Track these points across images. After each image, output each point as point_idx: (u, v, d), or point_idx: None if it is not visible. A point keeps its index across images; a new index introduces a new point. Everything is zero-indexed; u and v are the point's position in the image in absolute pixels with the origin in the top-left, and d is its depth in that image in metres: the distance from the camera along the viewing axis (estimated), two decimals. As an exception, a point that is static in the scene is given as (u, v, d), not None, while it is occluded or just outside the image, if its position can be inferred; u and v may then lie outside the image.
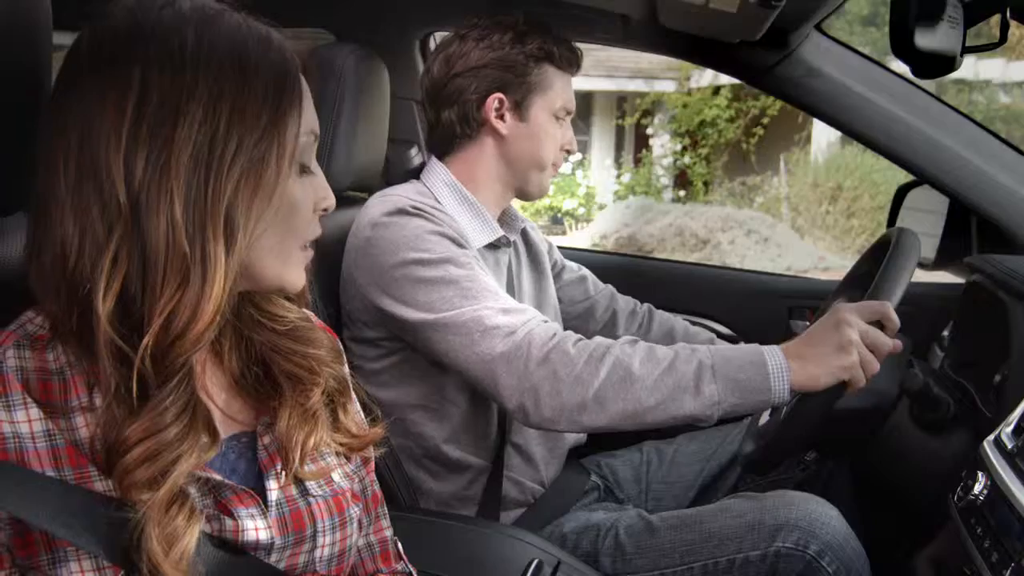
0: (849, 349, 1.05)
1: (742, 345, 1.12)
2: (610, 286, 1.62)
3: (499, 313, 1.13)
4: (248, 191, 0.64)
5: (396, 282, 1.17)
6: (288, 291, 0.73)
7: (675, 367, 1.07)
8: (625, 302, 1.60)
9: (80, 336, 0.64)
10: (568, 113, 1.36)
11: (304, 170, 0.71)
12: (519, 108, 1.32)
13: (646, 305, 1.61)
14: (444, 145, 1.36)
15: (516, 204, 1.47)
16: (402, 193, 1.27)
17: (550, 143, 1.34)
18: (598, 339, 1.12)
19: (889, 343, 1.07)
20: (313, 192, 0.72)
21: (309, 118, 0.70)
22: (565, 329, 1.18)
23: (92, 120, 0.62)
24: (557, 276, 1.58)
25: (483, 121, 1.32)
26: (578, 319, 1.58)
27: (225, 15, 0.67)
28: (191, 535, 0.63)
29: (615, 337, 1.44)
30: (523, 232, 1.49)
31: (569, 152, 1.38)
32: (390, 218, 1.20)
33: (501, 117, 1.31)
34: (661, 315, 1.59)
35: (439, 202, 1.30)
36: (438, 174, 1.34)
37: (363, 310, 1.23)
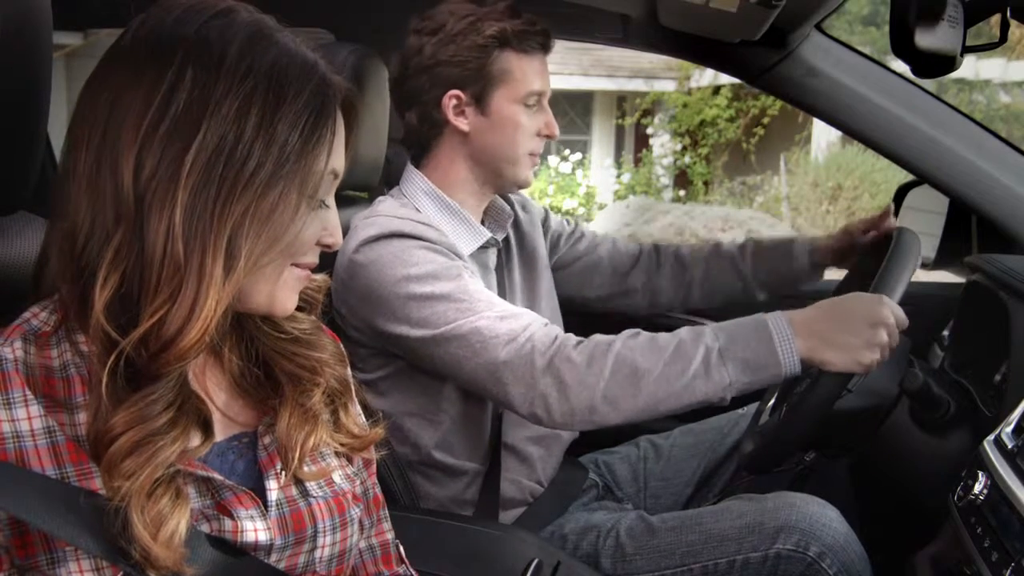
0: (875, 350, 1.05)
1: (745, 320, 1.11)
2: (611, 237, 1.58)
3: (497, 321, 1.12)
4: (258, 218, 0.63)
5: (389, 301, 1.16)
6: (276, 315, 0.72)
7: (681, 354, 1.07)
8: (627, 249, 1.56)
9: (80, 319, 0.64)
10: (540, 97, 1.27)
11: (320, 205, 0.70)
12: (479, 102, 1.25)
13: (649, 246, 1.57)
14: (417, 147, 1.33)
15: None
16: (386, 212, 1.24)
17: (520, 133, 1.27)
18: (597, 338, 1.12)
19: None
20: (321, 225, 0.71)
21: (337, 157, 0.69)
22: (580, 295, 1.27)
23: (119, 107, 0.62)
24: (555, 243, 1.53)
25: (444, 121, 1.26)
26: (583, 274, 1.54)
27: (278, 35, 0.66)
28: (180, 517, 0.63)
29: (625, 284, 1.51)
30: (514, 221, 1.44)
31: (549, 136, 1.30)
32: (376, 240, 1.18)
33: (462, 114, 1.26)
34: (665, 249, 1.55)
35: (420, 212, 1.27)
36: (416, 183, 1.30)
37: (358, 329, 1.22)
